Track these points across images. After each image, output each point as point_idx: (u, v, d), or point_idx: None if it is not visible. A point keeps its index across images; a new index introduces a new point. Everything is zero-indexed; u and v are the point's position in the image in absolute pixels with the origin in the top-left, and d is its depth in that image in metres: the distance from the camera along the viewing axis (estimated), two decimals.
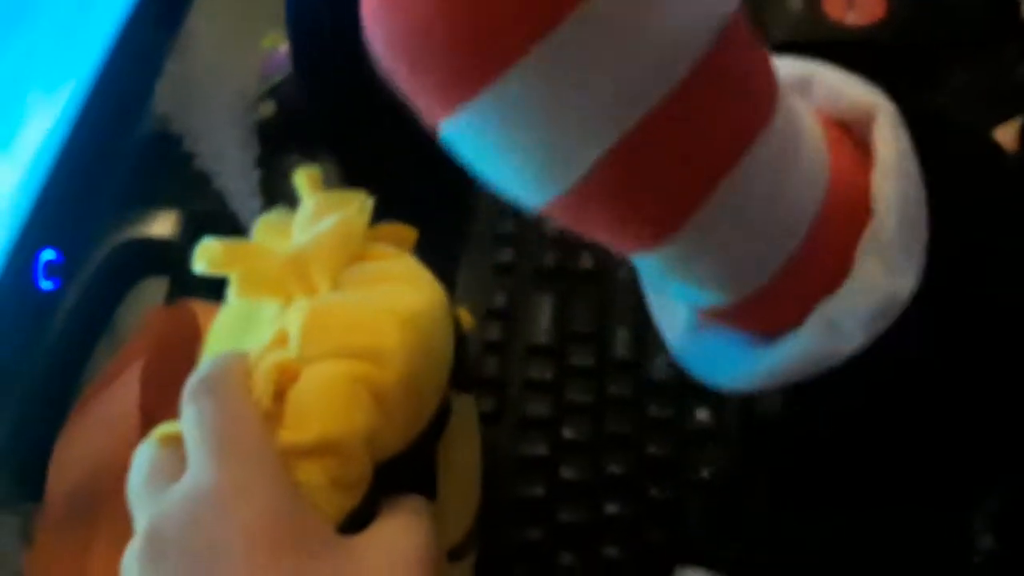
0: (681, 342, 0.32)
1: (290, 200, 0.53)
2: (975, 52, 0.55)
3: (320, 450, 0.26)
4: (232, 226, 0.52)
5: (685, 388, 0.45)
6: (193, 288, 0.47)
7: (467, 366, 0.33)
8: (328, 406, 0.26)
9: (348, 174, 0.53)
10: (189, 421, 0.27)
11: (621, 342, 0.46)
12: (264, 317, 0.30)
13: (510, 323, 0.47)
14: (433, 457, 0.31)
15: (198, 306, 0.42)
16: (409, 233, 0.34)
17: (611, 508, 0.42)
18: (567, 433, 0.44)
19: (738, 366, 0.30)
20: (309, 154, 0.54)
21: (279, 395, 0.26)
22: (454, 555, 0.33)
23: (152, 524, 0.25)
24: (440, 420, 0.30)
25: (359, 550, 0.26)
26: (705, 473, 0.43)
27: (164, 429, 0.28)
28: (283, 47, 0.56)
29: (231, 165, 0.53)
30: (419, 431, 0.29)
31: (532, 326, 0.47)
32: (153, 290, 0.52)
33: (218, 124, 0.54)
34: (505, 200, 0.26)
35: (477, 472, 0.35)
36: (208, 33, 0.57)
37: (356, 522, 0.26)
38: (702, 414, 0.44)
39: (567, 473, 0.43)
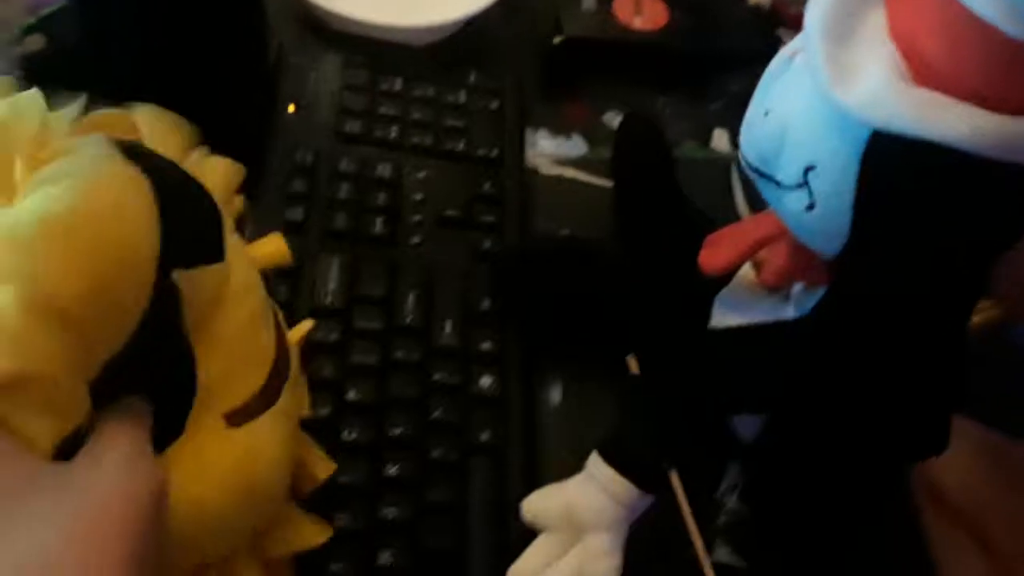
0: (875, 96, 0.31)
1: None
2: (745, 65, 0.61)
3: (14, 386, 0.23)
4: None
5: (470, 355, 0.46)
6: None
7: (193, 237, 0.31)
8: (6, 342, 0.23)
9: None
10: None
11: (409, 308, 0.46)
12: None
13: (297, 283, 0.46)
14: (178, 339, 0.29)
15: None
16: (125, 120, 0.31)
17: (392, 469, 0.42)
18: (351, 395, 0.43)
19: (963, 121, 0.29)
20: (79, 92, 0.50)
21: None
22: (234, 419, 0.31)
23: None
24: (162, 306, 0.27)
25: (74, 482, 0.23)
26: (486, 437, 0.44)
27: None
28: None
29: None
30: (133, 326, 0.26)
31: (320, 287, 0.46)
32: None
33: None
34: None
35: (260, 333, 0.33)
36: None
37: (76, 443, 0.24)
38: (485, 381, 0.45)
39: (350, 434, 0.42)
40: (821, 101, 0.33)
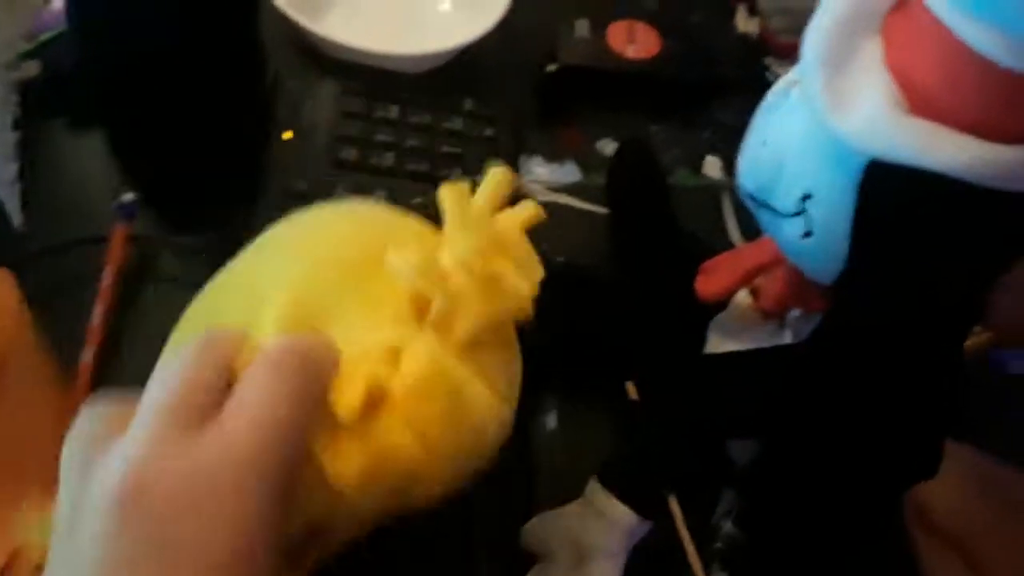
0: (872, 124, 0.31)
1: (50, 164, 0.49)
2: (734, 92, 0.62)
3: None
4: None
5: None
6: None
7: None
8: (370, 476, 0.28)
9: (116, 143, 0.50)
10: (265, 380, 0.25)
11: None
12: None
13: None
14: None
15: None
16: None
17: None
18: None
19: (962, 151, 0.30)
20: (75, 119, 0.50)
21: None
22: None
23: (134, 473, 0.23)
24: None
25: None
26: None
27: None
28: (57, 1, 0.52)
29: None
30: None
31: None
32: None
33: None
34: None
35: None
36: None
37: None
38: None
39: None
40: (818, 130, 0.34)
